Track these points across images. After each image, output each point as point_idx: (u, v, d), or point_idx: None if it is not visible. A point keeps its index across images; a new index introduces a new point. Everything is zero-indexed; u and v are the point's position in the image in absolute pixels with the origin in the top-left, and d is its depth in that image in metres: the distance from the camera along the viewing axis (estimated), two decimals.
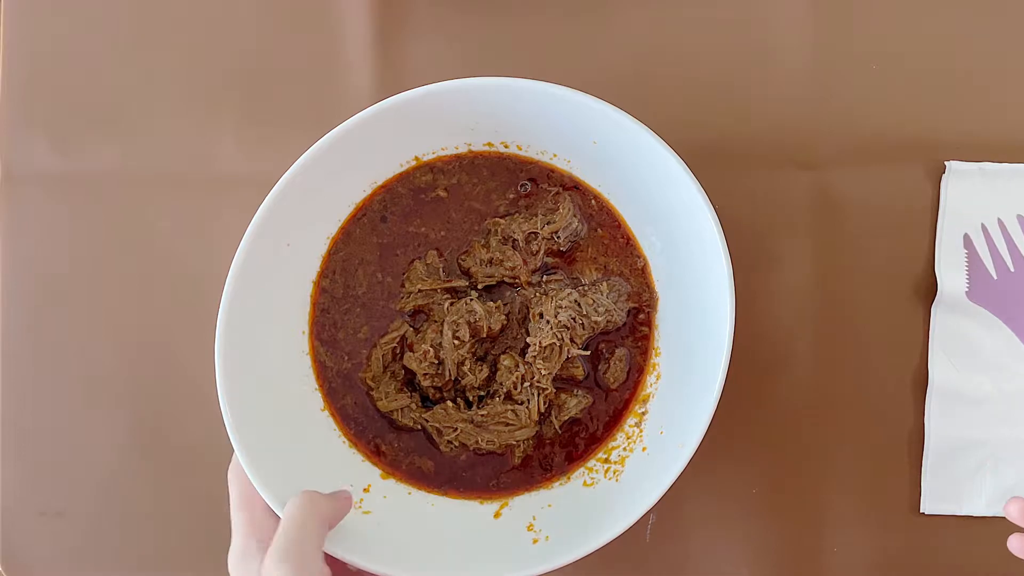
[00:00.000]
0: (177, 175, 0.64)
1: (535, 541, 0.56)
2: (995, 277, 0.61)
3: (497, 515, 0.58)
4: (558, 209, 0.59)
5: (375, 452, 0.59)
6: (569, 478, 0.58)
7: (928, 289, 0.61)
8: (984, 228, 0.61)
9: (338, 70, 0.63)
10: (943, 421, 0.61)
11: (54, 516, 0.64)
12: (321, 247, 0.59)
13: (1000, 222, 0.61)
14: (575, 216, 0.59)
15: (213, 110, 0.64)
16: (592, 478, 0.58)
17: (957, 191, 0.61)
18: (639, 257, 0.59)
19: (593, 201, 0.59)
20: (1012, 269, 0.61)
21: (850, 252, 0.60)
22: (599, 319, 0.57)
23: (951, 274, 0.60)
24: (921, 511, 0.61)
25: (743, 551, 0.62)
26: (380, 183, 0.59)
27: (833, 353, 0.61)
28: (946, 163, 0.61)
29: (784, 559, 0.62)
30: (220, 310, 0.53)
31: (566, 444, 0.59)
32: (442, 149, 0.59)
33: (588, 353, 0.58)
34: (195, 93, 0.64)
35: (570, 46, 0.63)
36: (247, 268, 0.54)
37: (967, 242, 0.61)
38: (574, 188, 0.59)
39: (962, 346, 0.61)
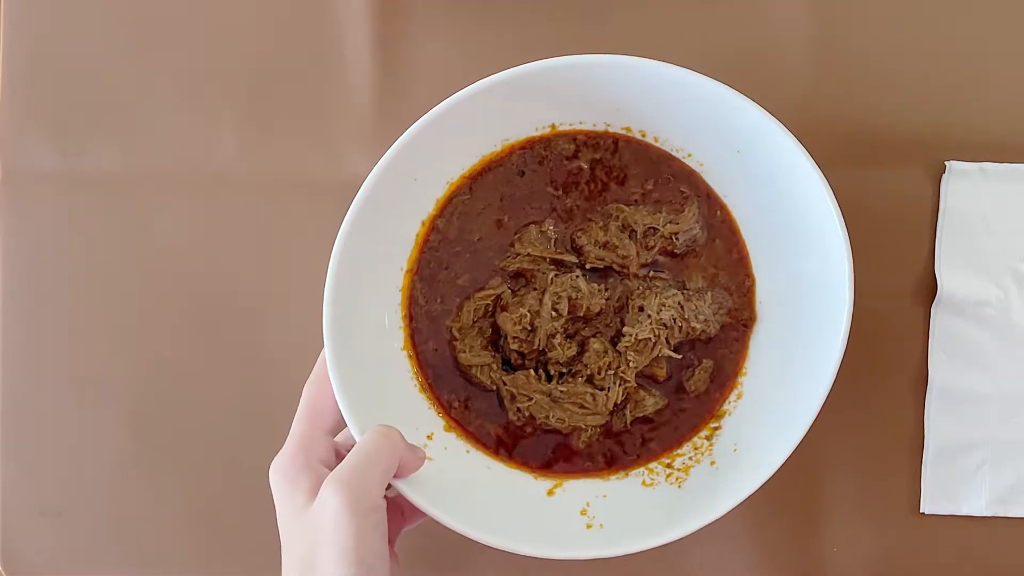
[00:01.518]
0: (178, 174, 0.63)
1: (588, 526, 0.56)
2: None
3: (551, 493, 0.58)
4: (684, 211, 0.59)
5: (443, 404, 0.59)
6: (628, 474, 0.58)
7: (928, 289, 0.61)
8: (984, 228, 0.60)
9: (339, 69, 0.63)
10: (943, 421, 0.60)
11: (54, 516, 0.63)
12: (440, 190, 0.58)
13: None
14: (698, 223, 0.59)
15: (214, 110, 0.63)
16: (652, 479, 0.58)
17: (957, 191, 0.60)
18: (748, 276, 0.59)
19: (719, 212, 0.59)
20: None
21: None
22: (697, 326, 0.57)
23: (951, 274, 0.60)
24: (921, 511, 0.61)
25: (742, 550, 0.62)
26: (512, 142, 0.59)
27: None
28: (946, 163, 0.60)
29: (784, 559, 0.62)
30: (343, 225, 0.53)
31: (632, 440, 0.59)
32: (580, 123, 0.59)
33: (680, 357, 0.58)
34: (196, 92, 0.63)
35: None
36: (375, 194, 0.53)
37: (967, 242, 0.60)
38: (706, 196, 0.59)
39: (961, 346, 0.60)
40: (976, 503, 0.61)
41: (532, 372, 0.58)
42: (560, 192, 0.59)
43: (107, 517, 0.63)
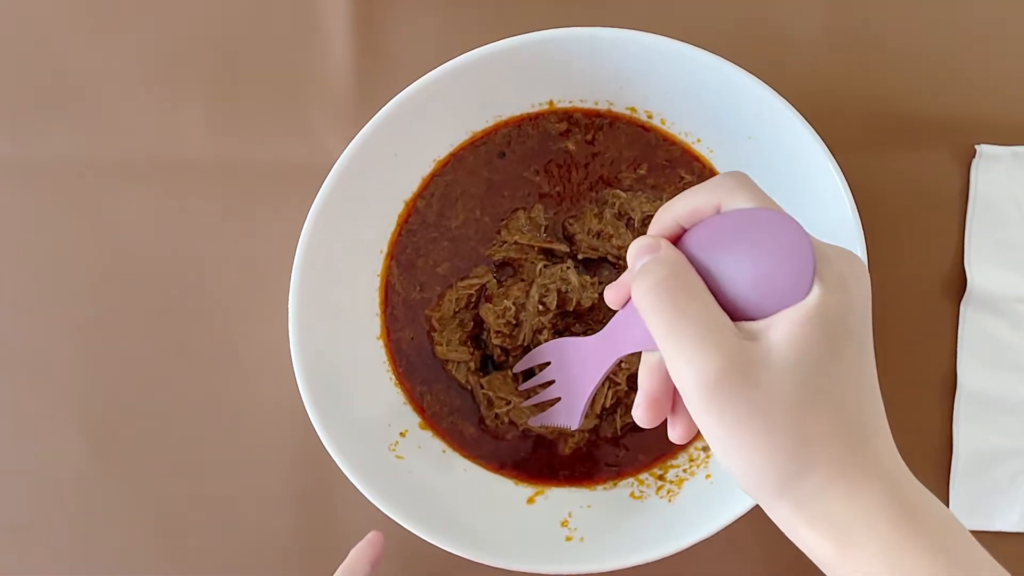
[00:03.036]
0: (140, 161, 0.59)
1: (568, 539, 0.52)
2: None
3: (531, 501, 0.54)
4: None
5: (419, 398, 0.55)
6: (616, 484, 0.55)
7: (957, 285, 0.58)
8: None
9: (315, 45, 0.58)
10: (973, 429, 0.57)
11: (11, 532, 0.59)
12: (425, 168, 0.55)
13: None
14: None
15: (179, 91, 0.59)
16: (641, 491, 0.54)
17: (989, 177, 0.57)
18: None
19: None
20: None
21: (871, 245, 0.54)
22: None
23: (982, 269, 0.57)
24: None
25: (751, 564, 0.57)
26: (505, 118, 0.55)
27: None
28: (976, 147, 0.57)
29: (802, 573, 0.58)
30: (315, 201, 0.51)
31: (622, 448, 0.55)
32: (580, 101, 0.55)
33: None
34: (159, 72, 0.59)
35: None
36: (352, 170, 0.51)
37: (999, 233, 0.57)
38: None
39: (993, 347, 0.57)
40: (1009, 518, 0.57)
41: (510, 372, 0.54)
42: (542, 175, 0.56)
43: (67, 533, 0.58)
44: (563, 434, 0.54)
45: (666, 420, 0.40)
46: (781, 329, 0.33)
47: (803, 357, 0.33)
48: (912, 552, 0.33)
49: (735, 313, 0.35)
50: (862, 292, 0.36)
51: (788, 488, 0.34)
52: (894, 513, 0.34)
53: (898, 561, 0.33)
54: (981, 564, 0.35)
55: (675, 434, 0.40)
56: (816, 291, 0.33)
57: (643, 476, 0.54)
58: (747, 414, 0.33)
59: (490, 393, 0.54)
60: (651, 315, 0.35)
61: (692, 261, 0.36)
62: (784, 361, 0.33)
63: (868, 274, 0.37)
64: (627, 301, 0.40)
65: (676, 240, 0.37)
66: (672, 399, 0.39)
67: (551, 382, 0.49)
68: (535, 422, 0.51)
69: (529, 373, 0.52)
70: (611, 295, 0.40)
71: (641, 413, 0.39)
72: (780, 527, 0.36)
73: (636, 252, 0.37)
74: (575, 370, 0.46)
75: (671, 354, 0.34)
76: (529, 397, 0.52)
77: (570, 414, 0.47)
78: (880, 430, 0.36)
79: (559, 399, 0.48)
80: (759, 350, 0.33)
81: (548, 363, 0.49)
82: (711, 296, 0.35)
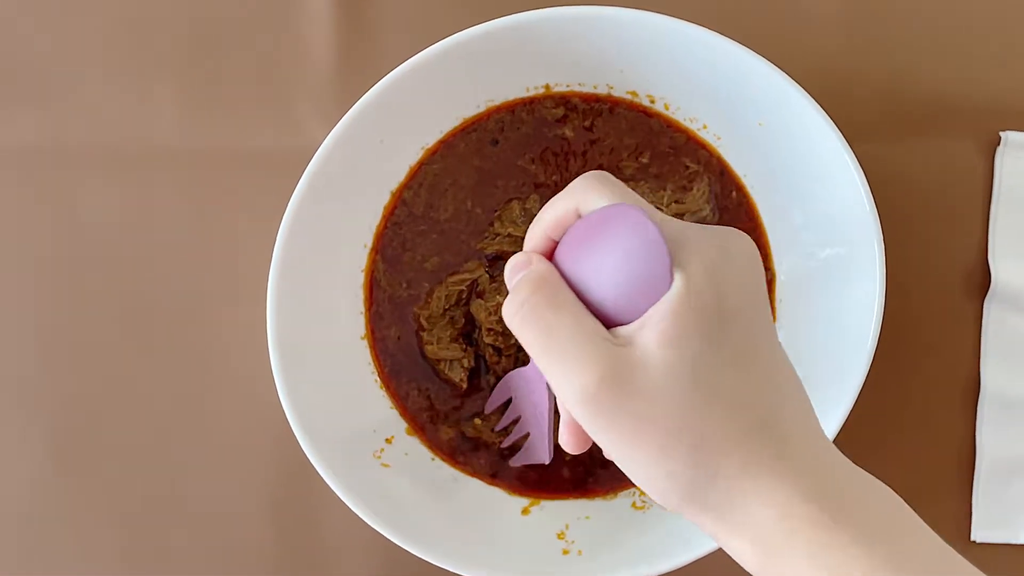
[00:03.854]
0: (107, 147, 0.56)
1: (565, 552, 0.51)
2: None
3: (526, 511, 0.53)
4: (691, 190, 0.53)
5: (406, 402, 0.53)
6: (616, 494, 0.53)
7: (980, 281, 0.56)
8: None
9: (294, 22, 0.56)
10: (998, 435, 0.55)
11: None
12: (413, 156, 0.54)
13: None
14: (708, 203, 0.53)
15: (149, 72, 0.56)
16: (644, 501, 0.53)
17: (1014, 166, 0.56)
18: (768, 270, 0.54)
19: (733, 193, 0.54)
20: None
21: (889, 238, 0.52)
22: None
23: (1007, 264, 0.55)
24: (972, 539, 0.56)
25: None
26: (498, 103, 0.54)
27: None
28: (1001, 134, 0.56)
29: None
30: (295, 192, 0.49)
31: None
32: (579, 84, 0.53)
33: None
34: (129, 53, 0.56)
35: None
36: (335, 158, 0.50)
37: None
38: (719, 174, 0.54)
39: (1019, 347, 0.56)
40: None
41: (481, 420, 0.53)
42: (538, 164, 0.54)
43: (24, 543, 0.56)
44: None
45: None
46: (651, 329, 0.32)
47: (679, 355, 0.32)
48: (842, 549, 0.31)
49: (609, 319, 0.33)
50: (740, 271, 0.34)
51: (696, 497, 0.33)
52: (816, 510, 0.32)
53: (826, 562, 0.31)
54: (930, 552, 0.33)
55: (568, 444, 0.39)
56: (678, 282, 0.32)
57: None
58: (633, 424, 0.32)
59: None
60: (522, 337, 0.34)
61: (563, 272, 0.35)
62: (660, 362, 0.32)
63: (751, 249, 0.35)
64: None
65: (552, 253, 0.36)
66: None
67: (519, 418, 0.48)
68: (514, 463, 0.51)
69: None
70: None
71: (566, 438, 0.39)
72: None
73: (510, 272, 0.36)
74: (533, 399, 0.46)
75: (548, 373, 0.33)
76: (507, 436, 0.51)
77: (540, 447, 0.47)
78: (789, 419, 0.34)
79: (528, 435, 0.48)
80: (635, 355, 0.32)
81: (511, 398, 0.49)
82: (581, 307, 0.34)
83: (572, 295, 0.34)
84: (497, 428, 0.51)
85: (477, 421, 0.52)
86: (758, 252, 0.35)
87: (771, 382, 0.34)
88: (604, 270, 0.33)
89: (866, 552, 0.31)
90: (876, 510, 0.33)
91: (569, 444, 0.39)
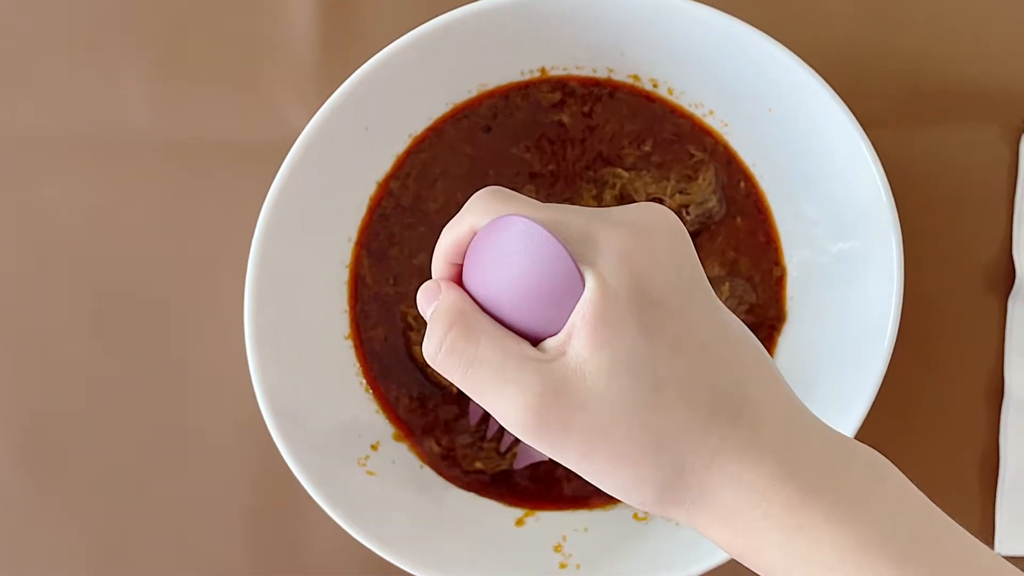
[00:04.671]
0: (75, 136, 0.55)
1: (563, 566, 0.49)
2: None
3: (520, 523, 0.50)
4: (697, 179, 0.51)
5: (393, 406, 0.51)
6: (616, 505, 0.51)
7: (1004, 277, 0.55)
8: None
9: (272, 4, 0.55)
10: (1022, 440, 0.54)
11: None
12: (400, 144, 0.52)
13: None
14: (715, 193, 0.51)
15: (120, 58, 0.55)
16: (646, 512, 0.49)
17: None
18: (777, 265, 0.52)
19: (741, 183, 0.52)
20: None
21: (907, 232, 0.51)
22: None
23: None
24: (995, 551, 0.53)
25: None
26: (490, 88, 0.52)
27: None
28: None
29: None
30: (274, 184, 0.48)
31: None
32: (576, 68, 0.52)
33: None
34: (98, 37, 0.55)
35: None
36: (316, 147, 0.48)
37: None
38: (727, 162, 0.52)
39: None
40: None
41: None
42: (533, 152, 0.52)
43: None
44: None
45: None
46: (577, 335, 0.30)
47: (611, 355, 0.30)
48: (819, 528, 0.30)
49: (533, 334, 0.32)
50: (661, 250, 0.32)
51: (672, 498, 0.31)
52: (789, 489, 0.30)
53: (798, 549, 0.30)
54: (912, 520, 0.31)
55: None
56: (590, 280, 0.31)
57: None
58: (585, 438, 0.30)
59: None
60: (450, 377, 0.32)
61: (474, 296, 0.33)
62: (595, 368, 0.30)
63: (670, 222, 0.33)
64: None
65: (460, 277, 0.34)
66: None
67: None
68: (518, 465, 0.49)
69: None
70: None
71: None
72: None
73: (422, 302, 0.35)
74: None
75: (487, 408, 0.32)
76: (500, 441, 0.50)
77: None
78: (753, 394, 0.32)
79: None
80: (568, 366, 0.31)
81: None
82: (500, 331, 0.32)
83: (487, 321, 0.32)
84: (488, 436, 0.49)
85: (479, 462, 0.51)
86: (680, 222, 0.33)
87: (723, 360, 0.32)
88: (509, 286, 0.32)
89: (840, 530, 0.29)
90: (855, 480, 0.31)
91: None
